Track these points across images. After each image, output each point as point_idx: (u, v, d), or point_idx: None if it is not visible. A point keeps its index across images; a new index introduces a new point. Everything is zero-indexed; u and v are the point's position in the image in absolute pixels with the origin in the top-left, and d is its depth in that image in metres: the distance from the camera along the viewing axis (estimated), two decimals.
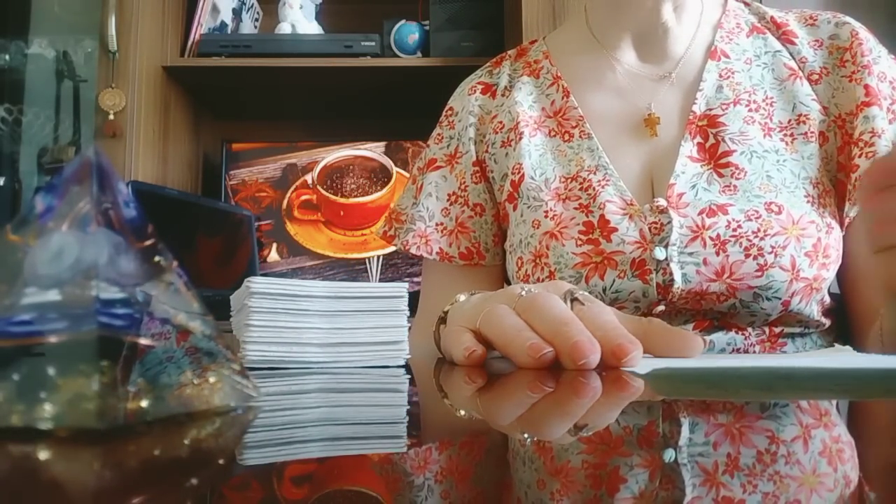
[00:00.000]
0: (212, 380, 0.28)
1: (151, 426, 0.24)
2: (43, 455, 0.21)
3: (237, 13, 1.75)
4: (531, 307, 0.47)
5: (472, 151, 0.80)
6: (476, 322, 0.50)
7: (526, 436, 0.24)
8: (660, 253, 0.66)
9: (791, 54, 0.74)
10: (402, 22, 1.66)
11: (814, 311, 0.70)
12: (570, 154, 0.74)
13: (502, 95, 0.82)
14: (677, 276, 0.66)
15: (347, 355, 0.51)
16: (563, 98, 0.78)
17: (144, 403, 0.24)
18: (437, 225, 0.80)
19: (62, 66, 1.78)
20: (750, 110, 0.72)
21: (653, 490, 0.17)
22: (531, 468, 0.20)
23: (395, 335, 0.52)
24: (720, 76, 0.74)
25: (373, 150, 1.77)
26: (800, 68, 0.73)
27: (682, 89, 0.75)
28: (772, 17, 0.77)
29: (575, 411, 0.30)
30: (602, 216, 0.69)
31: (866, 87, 0.70)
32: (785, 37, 0.75)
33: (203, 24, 1.64)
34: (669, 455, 0.20)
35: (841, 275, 0.72)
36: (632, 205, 0.69)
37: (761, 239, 0.65)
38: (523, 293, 0.49)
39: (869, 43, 0.73)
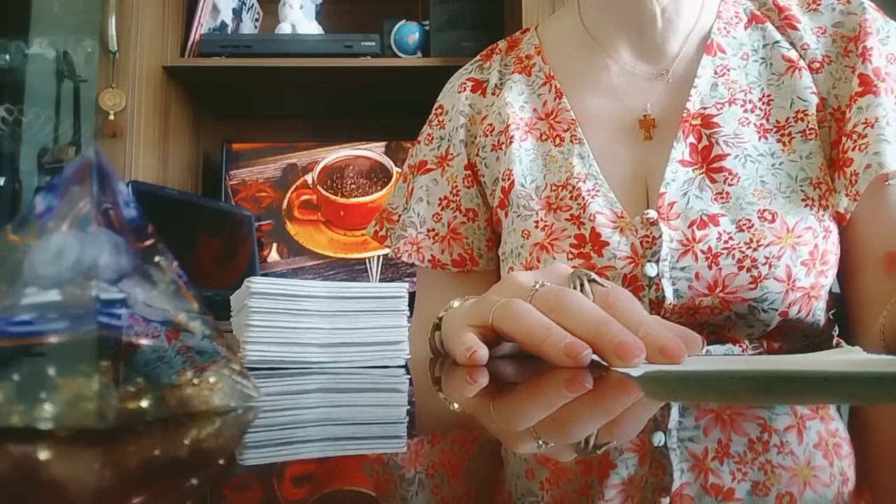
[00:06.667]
0: (212, 380, 0.28)
1: (151, 426, 0.24)
2: (43, 455, 0.21)
3: (237, 13, 1.75)
4: (559, 306, 0.47)
5: (463, 154, 0.78)
6: (488, 317, 0.50)
7: (523, 447, 0.24)
8: (651, 269, 0.65)
9: (792, 42, 0.71)
10: (402, 22, 1.66)
11: (818, 319, 0.68)
12: (561, 160, 0.72)
13: (493, 94, 0.79)
14: (669, 293, 0.65)
15: (347, 355, 0.51)
16: (555, 99, 0.75)
17: (144, 403, 0.24)
18: (428, 231, 0.78)
19: (62, 66, 1.77)
20: (745, 111, 0.69)
21: (642, 476, 0.17)
22: (523, 462, 0.20)
23: (395, 335, 0.52)
24: (715, 73, 0.71)
25: (373, 150, 1.77)
26: (801, 56, 0.70)
27: (678, 87, 0.72)
28: (774, 1, 0.73)
29: (574, 415, 0.30)
30: (593, 229, 0.67)
31: (861, 75, 0.67)
32: (787, 21, 0.71)
33: (203, 24, 1.64)
34: (658, 439, 0.20)
35: (841, 266, 0.70)
36: (622, 217, 0.67)
37: (754, 250, 0.64)
38: (537, 286, 0.49)
39: (876, 23, 0.69)
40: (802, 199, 0.66)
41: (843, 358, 0.50)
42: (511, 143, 0.74)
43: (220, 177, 1.78)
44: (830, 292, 0.72)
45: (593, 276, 0.50)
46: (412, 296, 0.72)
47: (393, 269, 1.74)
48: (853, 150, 0.66)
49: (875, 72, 0.67)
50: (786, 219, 0.65)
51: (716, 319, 0.66)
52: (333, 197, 1.76)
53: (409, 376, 0.47)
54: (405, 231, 0.79)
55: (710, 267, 0.64)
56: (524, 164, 0.74)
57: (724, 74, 0.71)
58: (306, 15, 1.72)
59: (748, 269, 0.64)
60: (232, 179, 1.77)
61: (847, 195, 0.67)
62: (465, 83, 0.81)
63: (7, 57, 1.80)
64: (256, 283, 0.49)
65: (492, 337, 0.51)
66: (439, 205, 0.78)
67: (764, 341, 0.68)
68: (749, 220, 0.65)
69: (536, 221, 0.70)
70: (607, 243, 0.66)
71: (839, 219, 0.69)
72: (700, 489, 0.16)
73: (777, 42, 0.71)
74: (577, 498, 0.16)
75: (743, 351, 0.67)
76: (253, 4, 1.82)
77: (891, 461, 0.21)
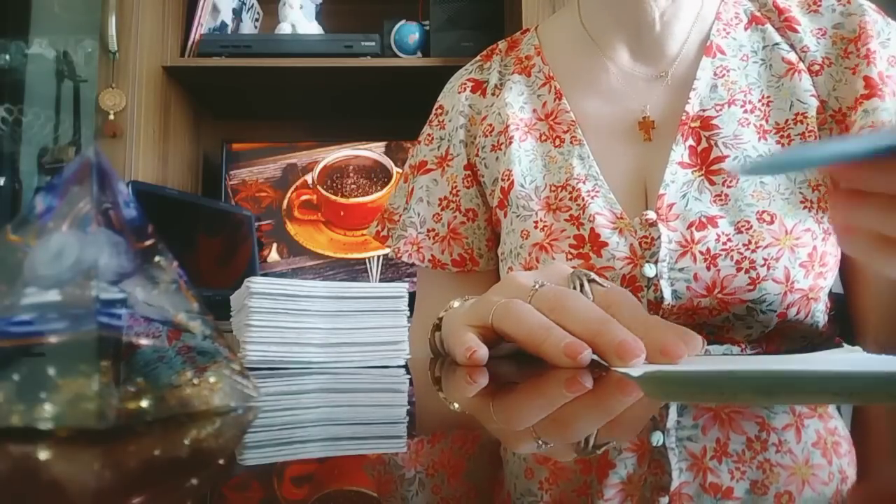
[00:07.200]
0: (212, 380, 0.28)
1: (151, 426, 0.24)
2: (43, 455, 0.21)
3: (237, 13, 1.75)
4: (559, 306, 0.47)
5: (463, 154, 0.78)
6: (488, 317, 0.50)
7: (522, 447, 0.24)
8: (649, 270, 0.65)
9: (791, 44, 0.70)
10: (402, 22, 1.66)
11: (818, 321, 0.68)
12: (560, 161, 0.72)
13: (492, 94, 0.79)
14: (667, 294, 0.65)
15: (347, 355, 0.51)
16: (555, 100, 0.75)
17: (144, 403, 0.24)
18: (428, 231, 0.78)
19: (62, 66, 1.77)
20: (745, 112, 0.69)
21: (641, 475, 0.17)
22: (523, 461, 0.20)
23: (395, 335, 0.52)
24: (715, 74, 0.71)
25: (373, 150, 1.77)
26: (800, 59, 0.70)
27: (677, 89, 0.72)
28: (774, 2, 0.73)
29: (573, 415, 0.30)
30: (592, 229, 0.67)
31: (866, 78, 0.66)
32: (787, 23, 0.71)
33: (203, 24, 1.64)
34: (657, 438, 0.20)
35: (844, 268, 0.70)
36: (621, 218, 0.67)
37: (753, 251, 0.64)
38: (537, 287, 0.49)
39: (877, 25, 0.68)
40: (801, 202, 0.66)
41: (843, 358, 0.50)
42: (511, 143, 0.74)
43: (220, 177, 1.78)
44: (832, 293, 0.72)
45: (593, 276, 0.50)
46: (412, 296, 0.72)
47: (393, 269, 1.74)
48: None
49: (879, 75, 0.67)
50: (784, 220, 0.65)
51: (714, 320, 0.66)
52: (333, 197, 1.76)
53: (409, 376, 0.47)
54: (405, 231, 0.79)
55: (708, 268, 0.64)
56: (524, 165, 0.74)
57: (723, 76, 0.71)
58: (306, 15, 1.72)
59: (746, 271, 0.64)
60: (232, 179, 1.77)
61: None
62: (464, 83, 0.81)
63: (7, 57, 1.80)
64: (256, 283, 0.49)
65: (492, 337, 0.51)
66: (439, 205, 0.78)
67: (763, 342, 0.68)
68: (748, 222, 0.65)
69: (536, 222, 0.70)
70: (606, 244, 0.66)
71: None
72: (699, 488, 0.16)
73: (777, 44, 0.71)
74: (576, 498, 0.16)
75: (742, 351, 0.67)
76: (253, 4, 1.82)
77: (890, 461, 0.21)
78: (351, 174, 1.77)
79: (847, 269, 0.70)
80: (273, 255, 1.75)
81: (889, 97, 0.66)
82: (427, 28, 1.66)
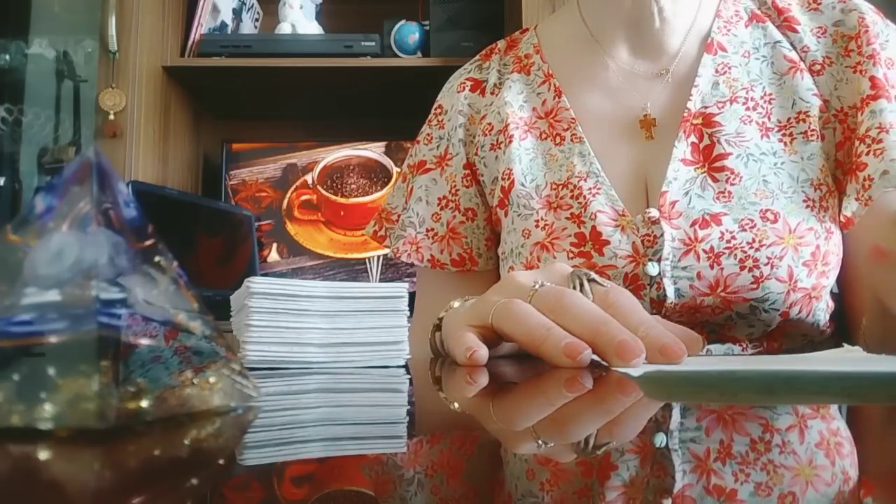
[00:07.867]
0: (212, 380, 0.28)
1: (151, 426, 0.24)
2: (43, 455, 0.21)
3: (237, 13, 1.75)
4: (559, 306, 0.47)
5: (462, 153, 0.78)
6: (488, 317, 0.50)
7: (522, 447, 0.24)
8: (652, 268, 0.65)
9: (792, 44, 0.70)
10: (402, 22, 1.66)
11: (819, 320, 0.68)
12: (561, 159, 0.72)
13: (491, 93, 0.79)
14: (670, 292, 0.65)
15: (347, 355, 0.51)
16: (554, 98, 0.75)
17: (144, 403, 0.24)
18: (427, 231, 0.78)
19: (62, 66, 1.77)
20: (747, 109, 0.69)
21: (643, 477, 0.17)
22: (524, 462, 0.20)
23: (395, 335, 0.52)
24: (716, 71, 0.71)
25: (373, 150, 1.77)
26: (801, 59, 0.70)
27: (678, 87, 0.71)
28: (773, 2, 0.73)
29: (574, 415, 0.30)
30: (594, 227, 0.67)
31: (872, 78, 0.66)
32: (786, 23, 0.71)
33: (203, 24, 1.64)
34: (660, 440, 0.20)
35: (840, 272, 0.70)
36: (624, 215, 0.67)
37: (756, 250, 0.64)
38: (537, 287, 0.49)
39: (876, 27, 0.68)
40: (804, 200, 0.66)
41: (843, 358, 0.50)
42: (510, 142, 0.74)
43: (220, 177, 1.78)
44: (833, 293, 0.72)
45: (593, 275, 0.50)
46: (412, 296, 0.72)
47: (393, 269, 1.74)
48: (867, 154, 0.66)
49: (885, 76, 0.67)
50: (788, 219, 0.65)
51: (717, 319, 0.66)
52: (333, 197, 1.76)
53: (409, 376, 0.47)
54: (404, 231, 0.79)
55: (711, 266, 0.64)
56: (524, 164, 0.73)
57: (725, 72, 0.71)
58: (306, 15, 1.72)
59: (750, 269, 0.64)
60: (232, 179, 1.77)
61: (857, 199, 0.66)
62: (464, 83, 0.81)
63: (7, 57, 1.80)
64: (256, 283, 0.49)
65: (492, 337, 0.51)
66: (438, 204, 0.78)
67: (764, 341, 0.68)
68: (751, 220, 0.65)
69: (537, 220, 0.70)
70: (608, 242, 0.66)
71: (846, 223, 0.68)
72: (703, 490, 0.16)
73: (778, 42, 0.71)
74: (578, 500, 0.16)
75: (743, 350, 0.67)
76: (253, 4, 1.82)
77: (891, 461, 0.21)
78: (351, 174, 1.77)
79: (844, 269, 0.70)
80: (273, 255, 1.75)
81: (894, 99, 0.66)
82: (427, 28, 1.66)
